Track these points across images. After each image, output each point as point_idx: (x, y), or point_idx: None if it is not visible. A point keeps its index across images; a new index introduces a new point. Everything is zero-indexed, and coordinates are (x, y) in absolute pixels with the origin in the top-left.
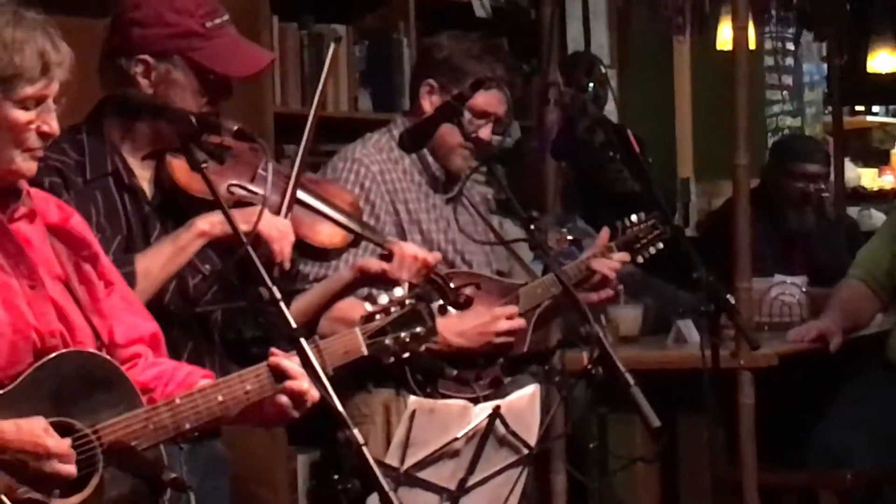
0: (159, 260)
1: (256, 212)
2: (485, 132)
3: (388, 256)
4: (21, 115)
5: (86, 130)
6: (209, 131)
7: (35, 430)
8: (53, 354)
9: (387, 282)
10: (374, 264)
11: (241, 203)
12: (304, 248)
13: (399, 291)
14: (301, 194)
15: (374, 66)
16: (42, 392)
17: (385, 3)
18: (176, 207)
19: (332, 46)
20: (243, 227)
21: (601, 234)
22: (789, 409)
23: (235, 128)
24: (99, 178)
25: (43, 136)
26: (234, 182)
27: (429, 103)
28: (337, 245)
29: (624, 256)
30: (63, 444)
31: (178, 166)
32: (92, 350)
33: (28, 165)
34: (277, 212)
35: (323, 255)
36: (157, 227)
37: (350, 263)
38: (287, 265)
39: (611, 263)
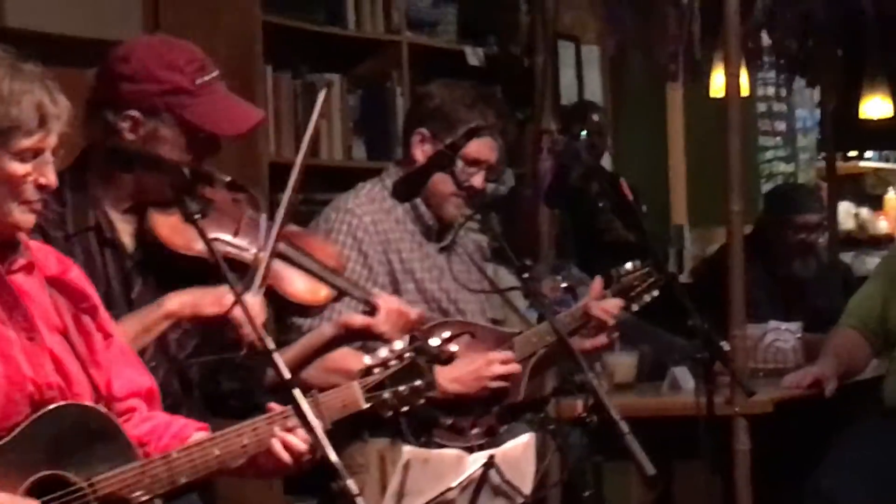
0: (127, 337)
1: (228, 293)
2: (477, 180)
3: (371, 311)
4: (18, 168)
5: (69, 183)
6: (202, 182)
7: None
8: (51, 407)
9: (370, 337)
10: (358, 320)
11: (225, 258)
12: (286, 304)
13: (399, 345)
14: (284, 248)
15: (368, 115)
16: (38, 444)
17: (378, 52)
18: (157, 262)
19: (324, 91)
20: (214, 309)
21: (594, 282)
22: (785, 455)
23: (228, 179)
24: (80, 233)
25: (40, 188)
26: (217, 236)
27: (421, 152)
28: (320, 301)
29: (618, 302)
30: None
31: (161, 221)
32: (89, 403)
33: (25, 218)
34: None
35: (305, 311)
36: (139, 283)
37: (333, 319)
38: (265, 343)
39: (607, 306)
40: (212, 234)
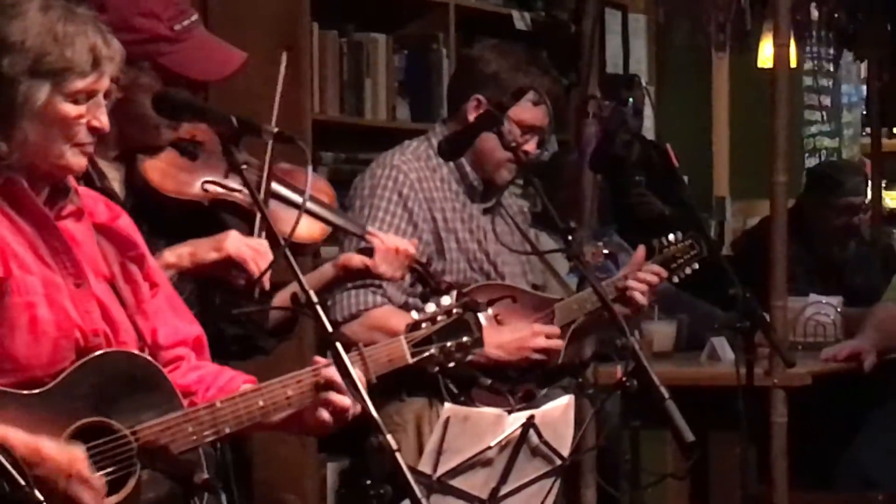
0: None
1: (225, 237)
2: (531, 146)
3: (369, 251)
4: (71, 109)
5: None
6: (250, 133)
7: (76, 453)
8: (96, 353)
9: (370, 277)
10: (357, 260)
11: (217, 200)
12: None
13: (446, 300)
14: (277, 187)
15: (413, 76)
16: (83, 391)
17: (425, 13)
18: (149, 209)
19: (285, 55)
20: (214, 255)
21: (637, 252)
22: (822, 430)
23: (276, 130)
24: None
25: (93, 130)
26: (209, 178)
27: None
28: (316, 238)
29: (659, 270)
30: (98, 479)
31: (152, 166)
32: (135, 351)
33: (77, 160)
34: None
35: (300, 249)
36: None
37: (332, 260)
38: (266, 285)
39: (644, 282)
40: (203, 177)
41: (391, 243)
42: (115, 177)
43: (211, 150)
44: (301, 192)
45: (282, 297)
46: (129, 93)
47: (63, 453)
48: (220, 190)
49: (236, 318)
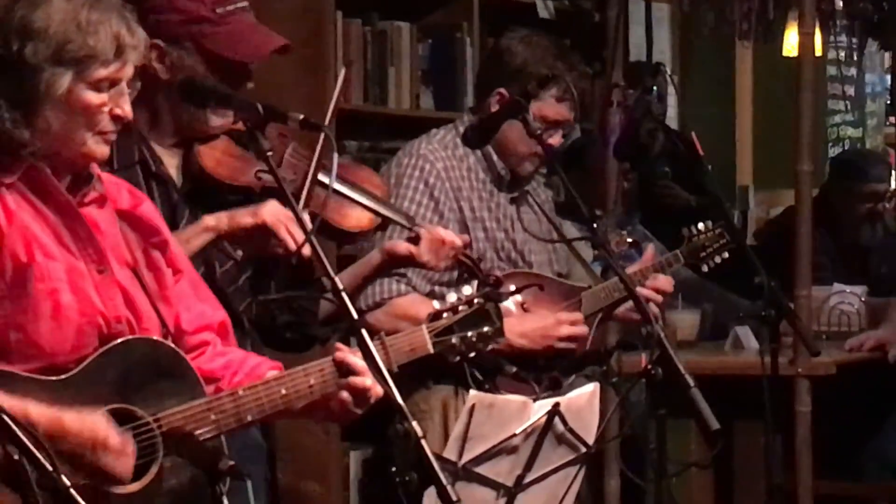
0: None
1: (264, 205)
2: (556, 139)
3: (415, 239)
4: (94, 98)
5: None
6: (275, 120)
7: (98, 423)
8: (119, 340)
9: (414, 265)
10: (402, 247)
11: (268, 189)
12: (332, 231)
13: (467, 290)
14: (326, 178)
15: (437, 65)
16: (106, 378)
17: (449, 1)
18: (204, 194)
19: (343, 70)
20: (249, 219)
21: (646, 251)
22: (846, 419)
23: (301, 117)
24: (126, 168)
25: (116, 119)
26: (262, 168)
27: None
28: (364, 228)
29: (665, 284)
30: (124, 441)
31: (206, 153)
32: (158, 338)
33: (100, 149)
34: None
35: (350, 238)
36: (186, 215)
37: (379, 246)
38: (303, 251)
39: (653, 291)
40: (256, 166)
41: (438, 234)
42: (171, 163)
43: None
44: (353, 185)
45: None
46: (176, 75)
47: (85, 423)
48: (268, 178)
49: (289, 305)
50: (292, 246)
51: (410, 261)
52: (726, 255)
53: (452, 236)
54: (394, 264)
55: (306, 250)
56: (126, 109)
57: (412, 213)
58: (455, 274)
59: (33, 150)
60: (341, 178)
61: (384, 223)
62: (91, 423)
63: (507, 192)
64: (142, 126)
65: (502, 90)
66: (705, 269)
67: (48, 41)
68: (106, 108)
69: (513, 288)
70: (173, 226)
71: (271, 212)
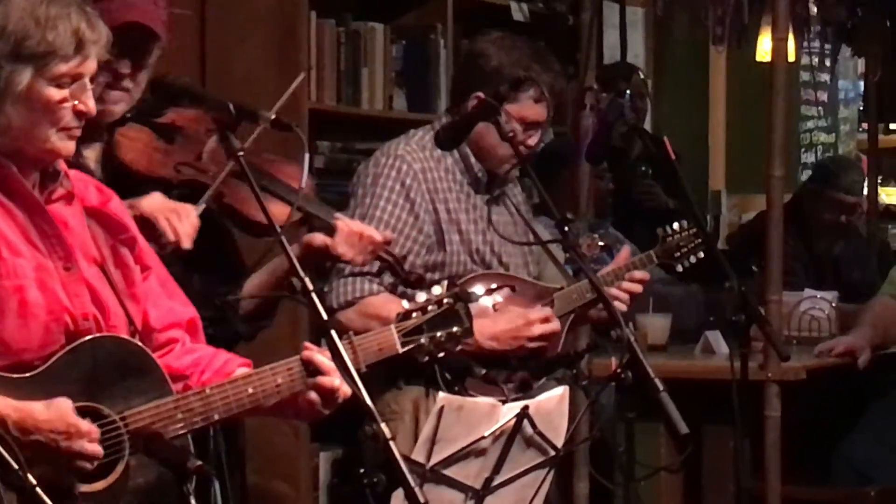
0: None
1: (145, 198)
2: (533, 140)
3: (331, 231)
4: (55, 93)
5: None
6: (246, 119)
7: (63, 408)
8: (86, 338)
9: (331, 257)
10: (318, 239)
11: (188, 182)
12: (247, 225)
13: (437, 290)
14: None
15: (411, 66)
16: (73, 375)
17: (424, 3)
18: (123, 186)
19: (302, 75)
20: (129, 211)
21: (622, 251)
22: (815, 424)
23: (273, 117)
24: None
25: (79, 114)
26: (182, 161)
27: None
28: (281, 222)
29: (643, 276)
30: (89, 425)
31: (125, 145)
32: (125, 336)
33: (64, 145)
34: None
35: (265, 231)
36: None
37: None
38: (186, 244)
39: (628, 291)
40: (177, 159)
41: (355, 227)
42: (90, 155)
43: (188, 135)
44: (273, 179)
45: (253, 283)
46: None
47: (52, 411)
48: (189, 170)
49: (210, 301)
50: (171, 237)
51: (326, 252)
52: (701, 255)
53: (372, 231)
54: (311, 257)
55: (187, 243)
56: (90, 105)
57: (388, 213)
58: (433, 276)
59: None
60: (262, 172)
61: (305, 218)
62: (57, 409)
63: (485, 194)
64: None
65: (480, 93)
66: (680, 269)
67: (6, 38)
68: (68, 104)
69: (482, 290)
70: None
71: (150, 203)
